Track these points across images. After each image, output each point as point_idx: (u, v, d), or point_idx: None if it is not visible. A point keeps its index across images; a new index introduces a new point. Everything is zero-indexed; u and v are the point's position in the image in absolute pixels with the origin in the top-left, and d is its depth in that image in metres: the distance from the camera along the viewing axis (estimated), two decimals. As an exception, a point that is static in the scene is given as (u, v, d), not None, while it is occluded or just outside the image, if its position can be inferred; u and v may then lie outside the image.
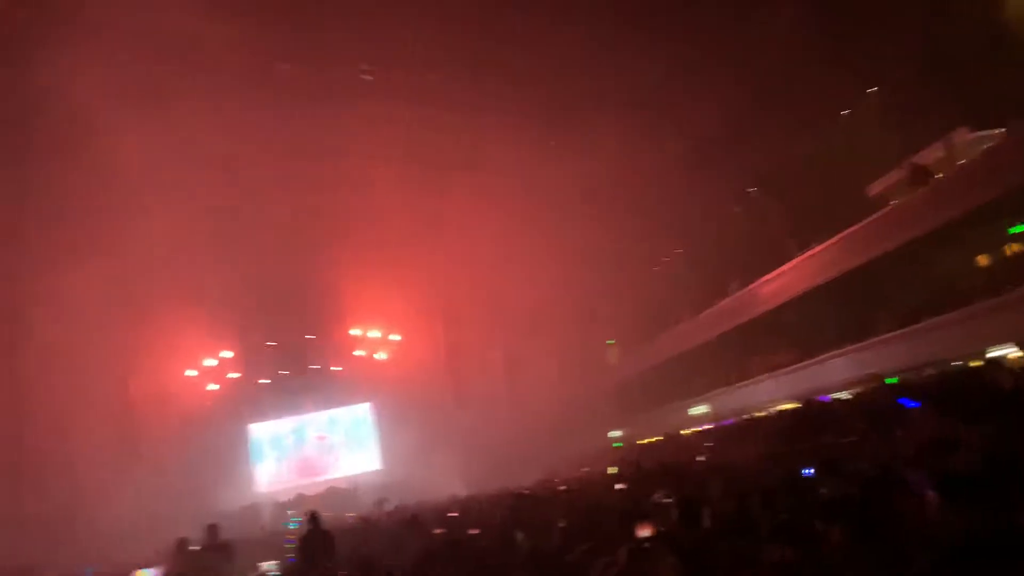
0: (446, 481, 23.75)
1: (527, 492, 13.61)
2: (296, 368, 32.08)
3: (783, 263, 20.17)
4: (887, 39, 15.46)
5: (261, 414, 31.90)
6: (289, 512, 24.16)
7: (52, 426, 22.88)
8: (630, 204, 22.63)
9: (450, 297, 29.65)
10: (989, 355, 12.74)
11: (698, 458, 13.81)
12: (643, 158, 20.63)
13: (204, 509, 22.10)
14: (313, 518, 10.95)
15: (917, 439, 7.32)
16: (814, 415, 13.07)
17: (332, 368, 32.40)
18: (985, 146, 14.57)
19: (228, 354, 30.91)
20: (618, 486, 11.25)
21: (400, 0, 16.95)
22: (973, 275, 15.22)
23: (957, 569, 3.46)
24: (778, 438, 12.42)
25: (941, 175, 15.44)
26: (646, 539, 4.72)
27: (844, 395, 15.15)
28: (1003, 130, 14.28)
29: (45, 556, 18.69)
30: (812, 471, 7.59)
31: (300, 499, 25.95)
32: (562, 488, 14.15)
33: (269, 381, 31.81)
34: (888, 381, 13.17)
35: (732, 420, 19.57)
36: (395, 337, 32.26)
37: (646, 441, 22.45)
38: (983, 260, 15.30)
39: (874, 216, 16.86)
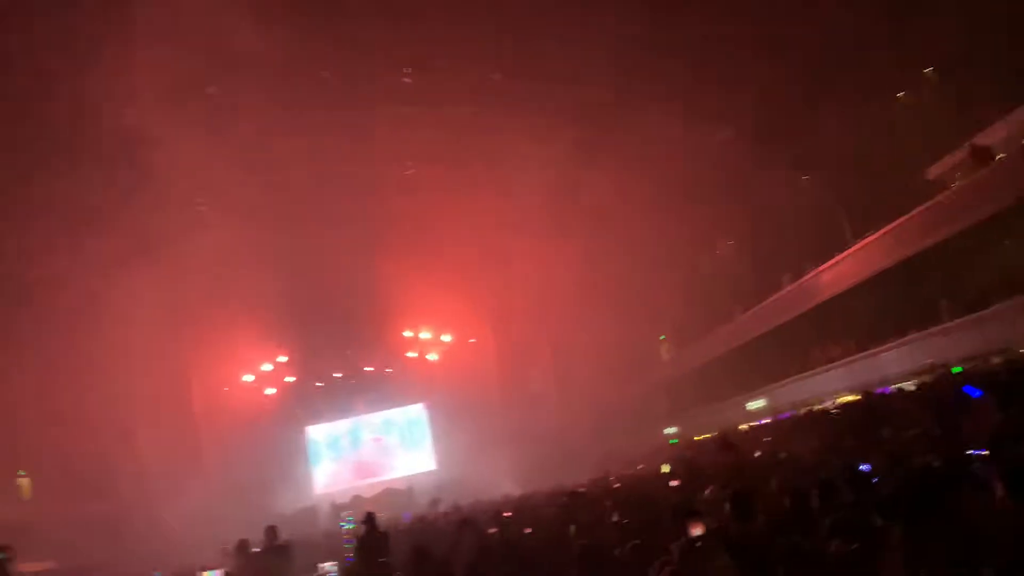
0: (499, 480, 23.78)
1: (581, 490, 13.50)
2: (350, 370, 32.54)
3: (839, 252, 19.66)
4: (943, 13, 14.88)
5: (317, 416, 32.47)
6: (343, 513, 24.47)
7: (117, 432, 23.58)
8: (679, 197, 22.31)
9: (499, 296, 29.69)
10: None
11: (755, 453, 13.52)
12: (692, 149, 20.32)
13: (264, 511, 22.56)
14: (369, 519, 11.02)
15: (984, 430, 7.02)
16: (875, 407, 12.71)
17: (385, 370, 32.76)
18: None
19: (283, 359, 31.53)
20: (672, 483, 11.08)
21: (439, 2, 16.97)
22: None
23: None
24: (838, 431, 12.09)
25: (1003, 155, 14.84)
26: (699, 537, 4.60)
27: (907, 385, 14.71)
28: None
29: (112, 557, 19.26)
30: (874, 465, 7.36)
31: (357, 500, 26.28)
32: (616, 486, 14.01)
33: (324, 384, 32.32)
34: (953, 371, 12.73)
35: (790, 414, 19.15)
36: (446, 338, 32.46)
37: (701, 437, 22.09)
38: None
39: (934, 200, 16.30)
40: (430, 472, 31.28)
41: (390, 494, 28.12)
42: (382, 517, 17.92)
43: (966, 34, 15.23)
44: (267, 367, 31.43)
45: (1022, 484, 3.93)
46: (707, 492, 8.16)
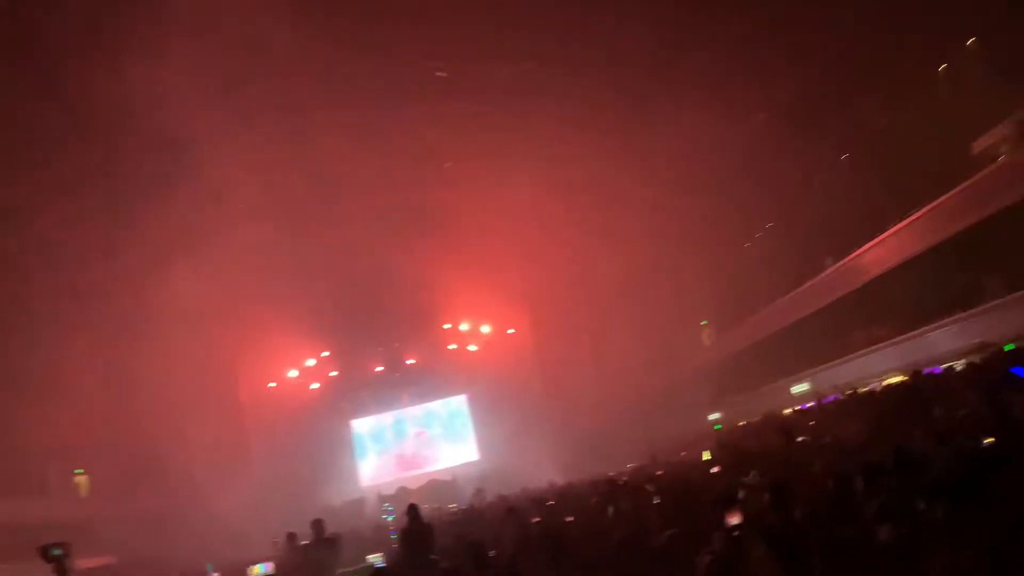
0: (543, 469, 23.82)
1: (623, 479, 13.47)
2: (392, 364, 32.85)
3: (881, 231, 19.26)
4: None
5: (362, 410, 32.87)
6: (384, 505, 24.73)
7: (169, 430, 24.15)
8: (717, 180, 22.06)
9: (538, 286, 29.67)
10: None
11: (799, 438, 13.33)
12: (730, 132, 20.04)
13: (313, 504, 22.94)
14: (412, 511, 11.02)
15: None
16: (923, 388, 12.44)
17: (426, 362, 33.02)
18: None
19: (326, 353, 31.98)
20: (714, 470, 11.00)
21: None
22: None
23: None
24: (884, 413, 11.85)
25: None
26: (736, 526, 4.56)
27: (956, 365, 14.36)
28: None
29: (166, 552, 19.74)
30: (921, 447, 7.20)
31: (403, 492, 26.54)
32: (659, 473, 13.94)
33: (366, 378, 32.71)
34: (1005, 348, 12.38)
35: (834, 397, 18.84)
36: (485, 329, 32.59)
37: (744, 423, 21.88)
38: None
39: (981, 174, 15.87)
40: (473, 462, 31.47)
41: (435, 485, 28.33)
42: (429, 508, 18.19)
43: (1008, 1, 14.78)
44: (311, 362, 31.90)
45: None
46: (749, 476, 8.10)
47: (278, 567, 13.15)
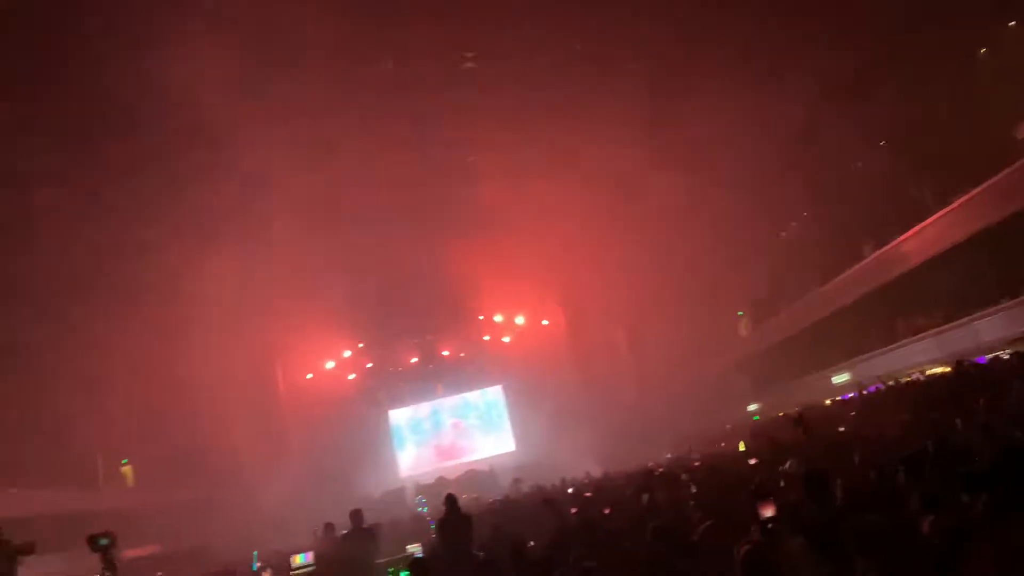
0: (579, 459, 23.82)
1: (659, 470, 13.43)
2: (426, 355, 33.12)
3: (922, 219, 18.85)
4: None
5: (399, 401, 33.19)
6: (418, 496, 24.91)
7: (211, 422, 24.58)
8: (751, 169, 21.77)
9: (572, 277, 29.63)
10: None
11: (839, 428, 13.18)
12: (765, 119, 19.76)
13: (352, 494, 23.22)
14: (449, 501, 11.06)
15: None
16: (967, 377, 12.20)
17: (460, 354, 33.22)
18: None
19: (362, 345, 32.37)
20: (752, 461, 10.91)
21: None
22: None
23: None
24: (927, 404, 11.66)
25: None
26: (771, 518, 4.52)
27: (1002, 355, 14.05)
28: None
29: (210, 541, 20.14)
30: (965, 438, 7.08)
31: (441, 482, 26.73)
32: (696, 464, 13.88)
33: (402, 369, 33.02)
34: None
35: (875, 387, 18.56)
36: (520, 320, 32.67)
37: (783, 413, 21.64)
38: None
39: (1024, 159, 15.45)
40: (510, 453, 31.60)
41: (473, 475, 28.49)
42: (468, 498, 18.30)
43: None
44: (347, 354, 32.32)
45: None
46: (787, 465, 8.03)
47: (317, 557, 13.29)
